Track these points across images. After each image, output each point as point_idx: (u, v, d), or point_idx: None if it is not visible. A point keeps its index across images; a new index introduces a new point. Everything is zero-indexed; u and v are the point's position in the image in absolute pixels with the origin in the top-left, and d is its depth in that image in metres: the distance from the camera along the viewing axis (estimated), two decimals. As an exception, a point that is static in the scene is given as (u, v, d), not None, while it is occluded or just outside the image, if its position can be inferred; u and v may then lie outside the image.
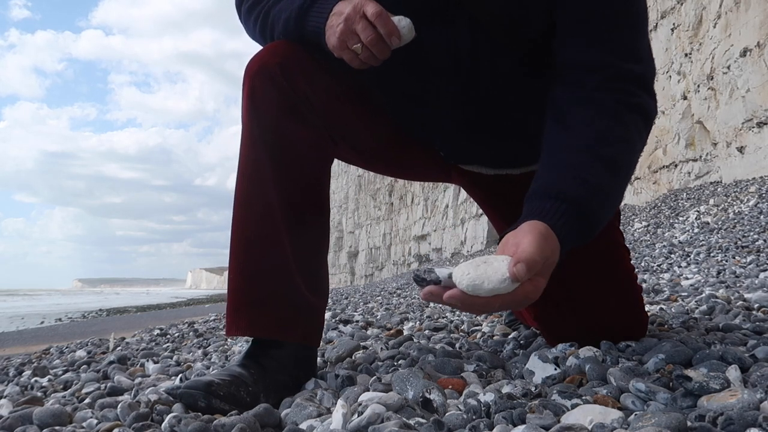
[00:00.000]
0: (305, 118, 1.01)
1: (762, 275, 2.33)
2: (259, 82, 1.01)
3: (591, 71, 0.91)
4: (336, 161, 1.14)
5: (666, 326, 1.28)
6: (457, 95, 1.03)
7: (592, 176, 0.85)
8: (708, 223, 5.49)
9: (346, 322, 2.33)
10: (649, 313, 1.26)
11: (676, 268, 3.30)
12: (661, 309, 1.61)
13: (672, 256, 3.91)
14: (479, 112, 1.05)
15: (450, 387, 0.88)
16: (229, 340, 2.35)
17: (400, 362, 1.12)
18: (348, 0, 0.90)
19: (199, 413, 0.84)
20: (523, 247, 0.76)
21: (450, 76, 1.00)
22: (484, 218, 15.11)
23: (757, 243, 3.60)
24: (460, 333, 1.67)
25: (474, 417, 0.74)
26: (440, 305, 2.69)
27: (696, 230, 5.27)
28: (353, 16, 0.88)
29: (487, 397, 0.77)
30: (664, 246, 4.60)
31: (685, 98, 8.73)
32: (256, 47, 1.06)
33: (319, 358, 1.13)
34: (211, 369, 1.46)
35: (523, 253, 0.75)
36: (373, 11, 0.87)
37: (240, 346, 1.97)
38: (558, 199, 0.83)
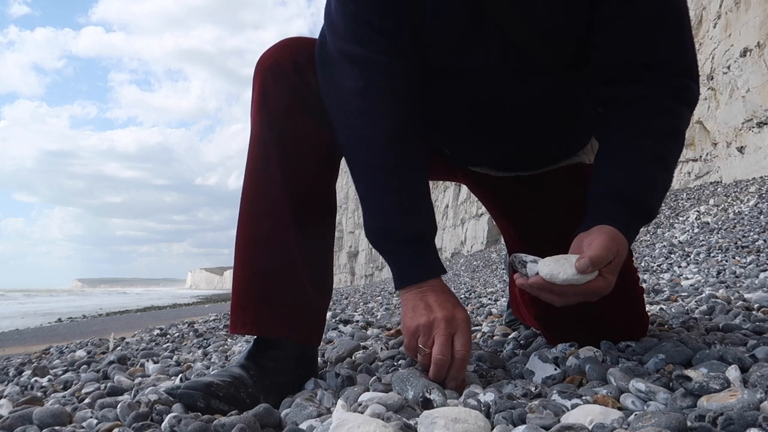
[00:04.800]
0: (316, 115, 1.00)
1: (762, 275, 2.33)
2: (271, 77, 1.00)
3: (640, 68, 0.92)
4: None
5: (666, 326, 1.27)
6: (479, 103, 1.02)
7: (650, 176, 0.92)
8: (708, 223, 5.49)
9: (346, 322, 2.33)
10: (649, 313, 1.26)
11: (676, 268, 3.31)
12: (661, 309, 1.61)
13: (672, 256, 3.91)
14: (498, 118, 1.04)
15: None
16: (229, 340, 2.35)
17: (400, 362, 1.12)
18: (442, 311, 0.90)
19: (199, 413, 0.84)
20: (592, 246, 0.85)
21: (473, 84, 0.99)
22: (484, 218, 15.10)
23: (757, 243, 3.60)
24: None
25: (474, 417, 0.74)
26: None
27: (696, 230, 5.27)
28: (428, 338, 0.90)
29: (487, 397, 0.77)
30: (664, 246, 4.61)
31: (685, 98, 8.71)
32: (259, 45, 1.06)
33: (319, 358, 1.13)
34: (211, 369, 1.46)
35: (590, 250, 0.84)
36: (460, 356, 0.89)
37: (240, 346, 1.97)
38: (622, 202, 0.91)
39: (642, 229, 6.73)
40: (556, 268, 0.84)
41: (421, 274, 0.93)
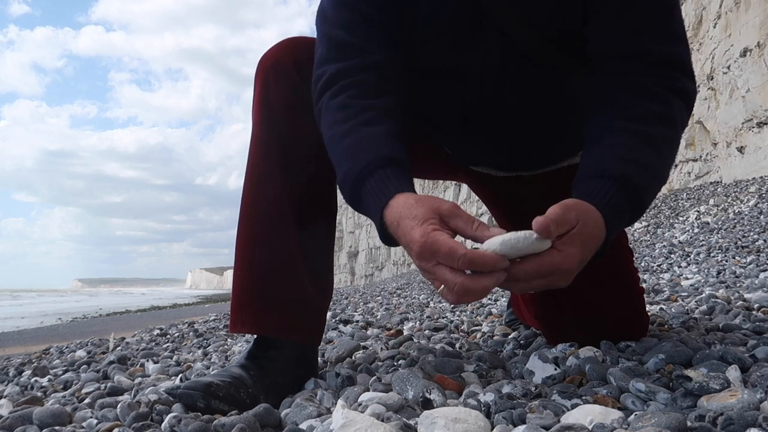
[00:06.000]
0: None
1: (762, 275, 2.33)
2: (272, 77, 1.00)
3: (629, 59, 0.90)
4: None
5: (666, 326, 1.27)
6: (480, 103, 1.01)
7: (635, 154, 0.83)
8: (708, 223, 5.49)
9: (346, 322, 2.33)
10: (649, 313, 1.26)
11: (676, 268, 3.30)
12: (661, 309, 1.61)
13: (672, 256, 3.91)
14: (499, 119, 1.03)
15: (448, 388, 0.88)
16: (229, 340, 2.35)
17: (400, 362, 1.12)
18: (411, 228, 0.73)
19: (199, 413, 0.84)
20: (548, 211, 0.72)
21: (473, 84, 0.99)
22: (484, 218, 15.10)
23: (757, 243, 3.60)
24: (460, 333, 1.67)
25: (474, 417, 0.74)
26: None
27: (696, 230, 5.27)
28: (423, 265, 0.72)
29: (487, 397, 0.77)
30: (664, 246, 4.61)
31: (685, 98, 8.73)
32: (259, 44, 1.05)
33: (319, 358, 1.13)
34: (211, 369, 1.46)
35: (550, 211, 0.72)
36: (466, 257, 0.68)
37: (240, 346, 1.97)
38: (601, 178, 0.81)
39: (642, 229, 6.69)
40: (508, 237, 0.71)
41: (386, 194, 0.79)
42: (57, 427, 0.88)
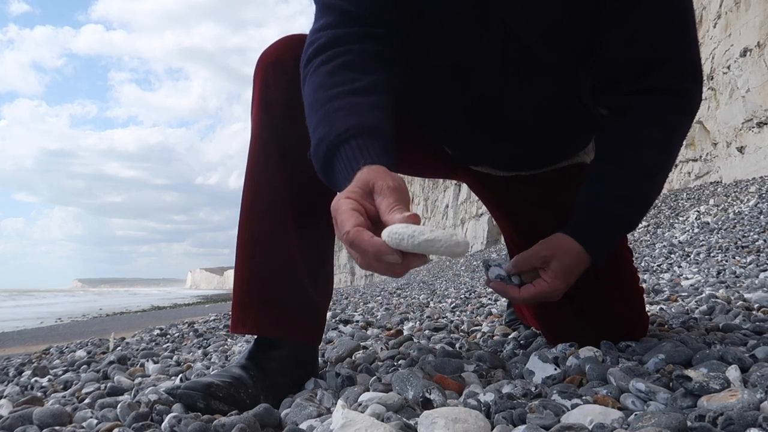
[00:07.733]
0: None
1: (762, 275, 2.33)
2: (272, 75, 0.99)
3: (639, 69, 0.92)
4: None
5: (666, 326, 1.27)
6: (482, 101, 1.01)
7: (629, 189, 0.94)
8: (708, 223, 5.49)
9: (346, 322, 2.33)
10: (649, 313, 1.26)
11: (676, 268, 3.30)
12: (661, 309, 1.61)
13: (672, 256, 3.91)
14: (501, 118, 1.03)
15: (448, 388, 0.88)
16: (229, 340, 2.35)
17: (400, 362, 1.12)
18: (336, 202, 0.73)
19: (199, 413, 0.84)
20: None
21: (475, 81, 0.99)
22: (484, 218, 15.10)
23: (757, 243, 3.60)
24: (460, 333, 1.67)
25: (474, 417, 0.74)
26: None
27: (696, 230, 5.27)
28: (341, 237, 0.72)
29: (487, 397, 0.77)
30: (664, 246, 4.61)
31: (685, 98, 8.71)
32: (260, 43, 1.04)
33: (319, 358, 1.13)
34: (211, 369, 1.46)
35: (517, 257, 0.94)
36: (348, 237, 0.69)
37: (240, 346, 1.97)
38: (592, 214, 0.95)
39: (642, 229, 6.70)
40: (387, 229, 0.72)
41: (355, 165, 0.75)
42: (57, 427, 0.88)
